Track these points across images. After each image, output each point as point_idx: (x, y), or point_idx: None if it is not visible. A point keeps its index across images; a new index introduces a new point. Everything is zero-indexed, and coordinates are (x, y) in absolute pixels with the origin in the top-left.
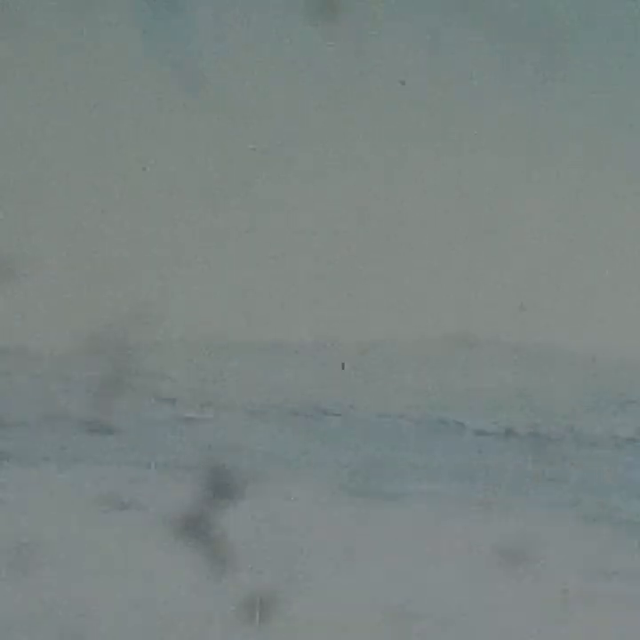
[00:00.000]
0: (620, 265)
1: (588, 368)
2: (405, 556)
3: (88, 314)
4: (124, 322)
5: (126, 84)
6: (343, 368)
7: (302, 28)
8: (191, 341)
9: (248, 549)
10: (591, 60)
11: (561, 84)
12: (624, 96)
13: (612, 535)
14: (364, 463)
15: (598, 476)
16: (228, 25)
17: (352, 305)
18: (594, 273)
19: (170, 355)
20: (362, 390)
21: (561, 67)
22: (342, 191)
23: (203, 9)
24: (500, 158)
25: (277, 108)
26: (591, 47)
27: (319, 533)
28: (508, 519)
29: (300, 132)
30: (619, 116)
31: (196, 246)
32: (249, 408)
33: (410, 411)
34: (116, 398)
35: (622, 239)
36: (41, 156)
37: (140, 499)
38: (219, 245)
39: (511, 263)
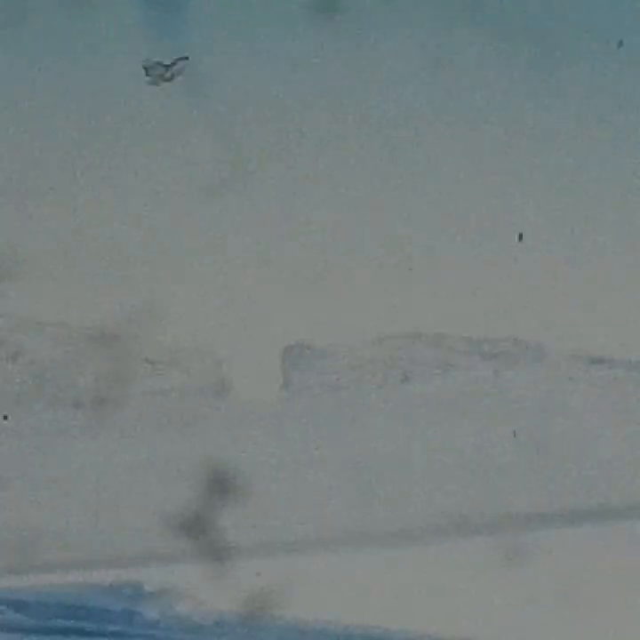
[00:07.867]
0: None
1: None
2: None
3: (88, 314)
4: (123, 322)
5: (126, 84)
6: None
7: (302, 28)
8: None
9: None
10: (590, 60)
11: (559, 84)
12: (624, 97)
13: None
14: None
15: None
16: (228, 24)
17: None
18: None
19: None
20: None
21: (560, 67)
22: (342, 191)
23: (202, 8)
24: (500, 158)
25: (277, 107)
26: (590, 48)
27: None
28: None
29: (299, 131)
30: (618, 116)
31: (195, 246)
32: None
33: None
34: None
35: (623, 241)
36: (40, 156)
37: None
38: (218, 245)
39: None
